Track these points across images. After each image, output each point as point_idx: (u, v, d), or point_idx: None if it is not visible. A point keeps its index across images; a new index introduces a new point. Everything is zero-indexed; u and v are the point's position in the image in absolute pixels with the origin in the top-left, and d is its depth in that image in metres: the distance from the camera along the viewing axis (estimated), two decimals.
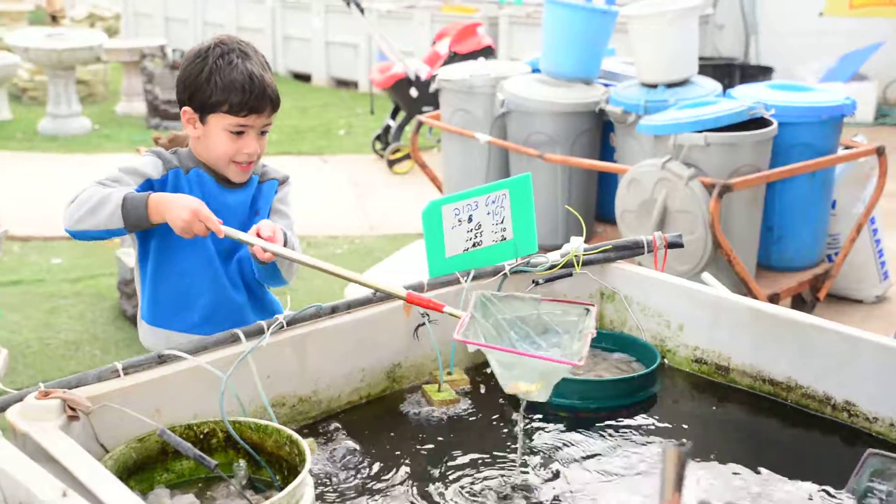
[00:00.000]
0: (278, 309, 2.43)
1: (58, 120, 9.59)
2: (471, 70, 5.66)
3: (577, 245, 2.58)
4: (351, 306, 2.24)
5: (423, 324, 2.31)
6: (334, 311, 2.21)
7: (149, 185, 2.21)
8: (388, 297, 2.22)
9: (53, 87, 9.61)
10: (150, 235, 2.27)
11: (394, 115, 8.60)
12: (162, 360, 1.93)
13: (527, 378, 1.80)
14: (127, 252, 5.12)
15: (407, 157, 8.19)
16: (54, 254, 6.23)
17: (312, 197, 7.43)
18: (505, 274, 2.46)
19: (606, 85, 5.44)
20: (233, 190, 2.30)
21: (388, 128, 8.61)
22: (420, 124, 5.97)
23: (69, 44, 9.45)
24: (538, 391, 1.86)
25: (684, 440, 1.42)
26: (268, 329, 2.07)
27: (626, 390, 2.29)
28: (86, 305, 5.30)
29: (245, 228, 2.20)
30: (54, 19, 12.94)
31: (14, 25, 13.29)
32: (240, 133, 2.21)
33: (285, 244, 2.12)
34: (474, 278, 2.41)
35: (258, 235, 2.06)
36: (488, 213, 2.41)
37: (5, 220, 5.96)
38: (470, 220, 2.39)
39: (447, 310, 1.91)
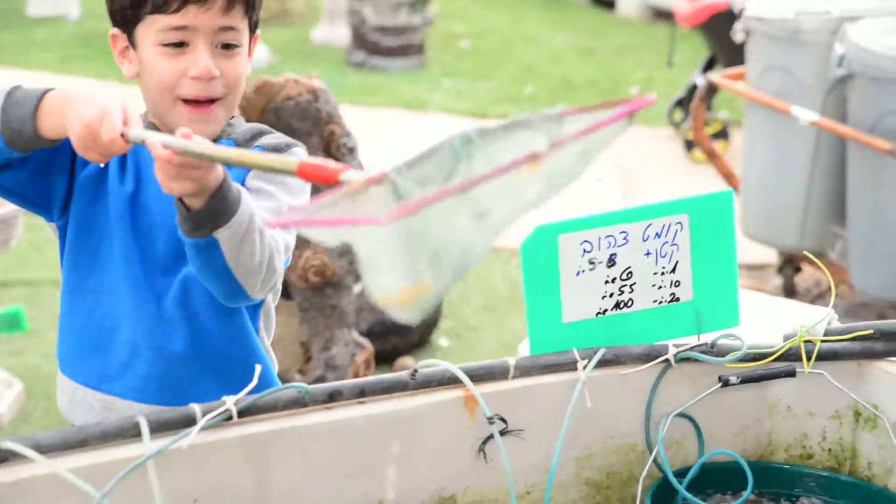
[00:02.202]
0: (266, 379, 2.26)
1: None
2: (799, 4, 5.34)
3: (817, 322, 2.29)
4: (365, 392, 2.04)
5: (492, 435, 2.08)
6: (333, 398, 2.00)
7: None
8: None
9: None
10: (67, 222, 2.23)
11: (707, 69, 8.30)
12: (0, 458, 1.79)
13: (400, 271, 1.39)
14: None
15: (720, 134, 7.95)
16: None
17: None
18: (667, 361, 2.23)
19: None
20: None
21: (695, 89, 8.34)
22: (712, 89, 5.70)
23: None
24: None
25: None
26: (201, 418, 1.89)
27: None
28: None
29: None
30: None
31: None
32: (180, 45, 2.13)
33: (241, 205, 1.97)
34: (603, 364, 2.20)
35: None
36: (647, 254, 2.24)
37: None
38: (612, 262, 2.21)
39: (344, 176, 1.59)
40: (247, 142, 2.22)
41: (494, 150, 1.51)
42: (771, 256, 5.97)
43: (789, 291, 5.77)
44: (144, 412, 1.93)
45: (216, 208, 1.94)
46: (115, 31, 2.20)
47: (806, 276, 5.94)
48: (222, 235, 1.98)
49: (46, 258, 5.95)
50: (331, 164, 1.63)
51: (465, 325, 5.47)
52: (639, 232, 2.18)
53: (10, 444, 1.81)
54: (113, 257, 2.21)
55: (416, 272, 1.41)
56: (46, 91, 1.98)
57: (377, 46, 10.02)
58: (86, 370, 2.27)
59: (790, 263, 5.69)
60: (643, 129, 8.75)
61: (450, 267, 1.46)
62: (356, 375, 4.21)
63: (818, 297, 5.67)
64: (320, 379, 4.16)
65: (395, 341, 5.03)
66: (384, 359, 4.92)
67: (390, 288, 1.40)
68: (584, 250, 2.17)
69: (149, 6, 2.12)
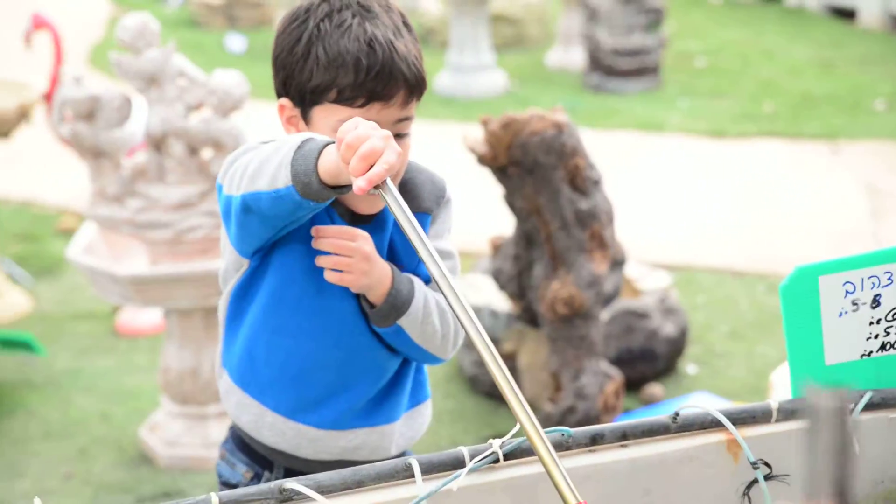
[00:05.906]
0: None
1: (460, 75, 10.10)
2: None
3: None
4: (627, 435, 2.02)
5: (756, 480, 2.04)
6: (595, 441, 2.01)
7: None
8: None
9: (458, 28, 10.15)
10: (265, 263, 2.27)
11: None
12: (284, 496, 1.85)
13: None
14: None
15: None
16: None
17: (762, 206, 7.12)
18: None
19: None
20: (360, 228, 2.24)
21: None
22: None
23: None
24: None
25: None
26: (469, 461, 1.91)
27: None
28: None
29: None
30: None
31: None
32: None
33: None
34: (873, 406, 2.12)
35: None
36: None
37: None
38: (877, 302, 2.14)
39: None
40: (429, 200, 2.35)
41: None
42: None
43: None
44: (339, 441, 2.33)
45: (394, 304, 2.20)
46: (286, 102, 2.22)
47: None
48: (404, 322, 2.21)
49: None
50: None
51: (712, 351, 5.36)
52: None
53: (294, 485, 1.88)
54: (324, 311, 2.28)
55: None
56: (330, 142, 1.93)
57: (612, 69, 9.97)
58: (278, 399, 2.33)
59: None
60: (889, 143, 8.49)
61: None
62: (606, 405, 4.18)
63: None
64: (570, 409, 4.16)
65: (642, 368, 4.97)
66: (631, 386, 4.88)
67: None
68: (847, 291, 2.10)
69: (332, 95, 2.14)
